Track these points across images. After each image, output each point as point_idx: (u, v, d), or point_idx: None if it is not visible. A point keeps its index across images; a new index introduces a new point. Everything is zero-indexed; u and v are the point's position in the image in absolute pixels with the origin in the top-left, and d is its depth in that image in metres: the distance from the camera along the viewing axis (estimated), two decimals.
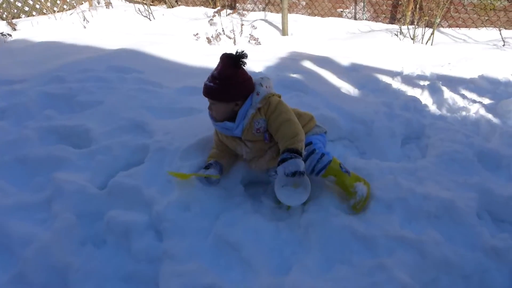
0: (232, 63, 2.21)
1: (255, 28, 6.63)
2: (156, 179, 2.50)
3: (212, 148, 2.62)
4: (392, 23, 7.27)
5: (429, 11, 6.47)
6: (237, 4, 8.82)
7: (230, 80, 2.22)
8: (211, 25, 6.92)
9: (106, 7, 8.67)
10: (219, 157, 2.52)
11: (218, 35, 6.24)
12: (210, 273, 1.95)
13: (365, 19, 7.57)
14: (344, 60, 5.20)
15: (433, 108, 3.95)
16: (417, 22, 6.26)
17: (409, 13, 6.68)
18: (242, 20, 6.77)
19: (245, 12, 8.00)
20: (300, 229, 2.22)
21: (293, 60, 5.12)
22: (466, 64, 4.89)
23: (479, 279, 1.96)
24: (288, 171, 2.06)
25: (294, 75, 4.29)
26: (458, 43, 5.96)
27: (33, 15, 8.41)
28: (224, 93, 2.23)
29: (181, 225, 2.18)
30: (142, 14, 8.15)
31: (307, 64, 4.98)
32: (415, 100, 3.91)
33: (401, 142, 3.22)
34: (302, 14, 8.18)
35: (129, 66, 4.60)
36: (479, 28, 6.57)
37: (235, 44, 6.23)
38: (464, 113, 3.77)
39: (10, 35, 6.85)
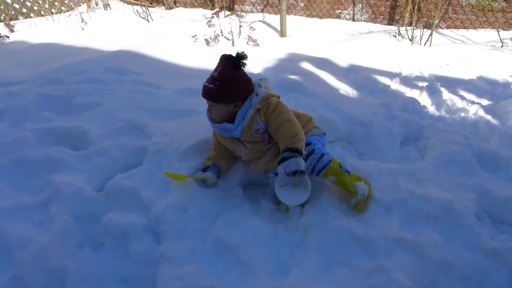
0: (233, 64, 2.20)
1: (254, 29, 6.62)
2: (154, 181, 2.49)
3: (210, 150, 2.61)
4: (390, 24, 7.28)
5: (427, 12, 6.48)
6: (236, 6, 8.83)
7: (230, 81, 2.20)
8: (209, 26, 6.93)
9: (104, 9, 8.66)
10: (217, 159, 2.51)
11: (216, 37, 6.24)
12: (208, 276, 1.94)
13: (364, 21, 7.58)
14: (343, 61, 5.20)
15: (431, 109, 3.95)
16: (416, 23, 6.27)
17: (407, 14, 6.69)
18: (240, 22, 6.77)
19: (243, 13, 8.02)
20: (298, 231, 2.21)
21: (291, 62, 5.11)
22: (464, 65, 4.90)
23: (478, 281, 1.96)
24: (288, 170, 2.05)
25: (293, 77, 4.28)
26: (457, 44, 5.96)
27: (31, 17, 8.39)
28: (224, 95, 2.23)
29: (179, 227, 2.17)
30: (140, 16, 8.15)
31: (306, 65, 4.98)
32: (413, 101, 3.91)
33: (400, 143, 3.21)
34: (301, 15, 8.18)
35: (127, 67, 4.59)
36: (477, 29, 6.58)
37: (233, 46, 6.23)
38: (463, 114, 3.77)
39: (8, 37, 6.83)
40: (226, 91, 2.21)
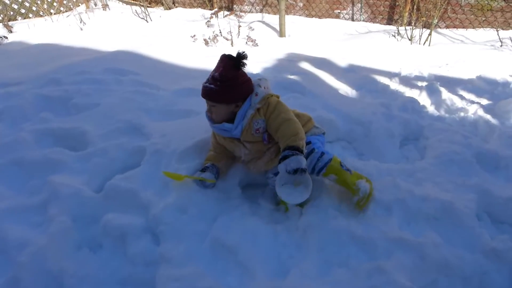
0: (233, 64, 2.19)
1: (253, 29, 6.62)
2: (153, 181, 2.48)
3: (210, 150, 2.60)
4: (389, 24, 7.28)
5: (427, 12, 6.48)
6: (234, 6, 8.82)
7: (232, 81, 2.20)
8: (208, 26, 6.92)
9: (103, 9, 8.65)
10: (216, 159, 2.50)
11: (215, 37, 6.23)
12: (207, 277, 1.93)
13: (363, 20, 7.57)
14: (342, 61, 5.19)
15: (431, 109, 3.95)
16: (415, 23, 6.26)
17: (407, 14, 6.68)
18: (239, 22, 6.76)
19: (242, 13, 8.01)
20: (298, 231, 2.20)
21: (290, 62, 5.11)
22: (464, 65, 4.89)
23: (478, 281, 1.95)
24: (290, 168, 2.03)
25: (292, 77, 4.28)
26: (456, 44, 5.96)
27: (30, 18, 8.37)
28: (226, 95, 2.22)
29: (178, 228, 2.16)
30: (139, 16, 8.13)
31: (305, 65, 4.97)
32: (413, 101, 3.90)
33: (400, 143, 3.21)
34: (300, 15, 8.18)
35: (126, 68, 4.58)
36: (477, 28, 6.57)
37: (232, 46, 6.22)
38: (462, 114, 3.76)
39: (6, 38, 6.82)
40: (227, 91, 2.20)
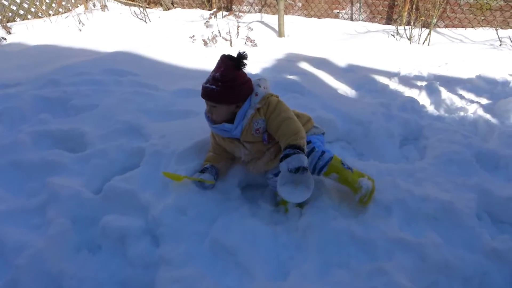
0: (234, 64, 2.18)
1: (252, 29, 6.62)
2: (152, 183, 2.47)
3: (209, 151, 2.59)
4: (388, 24, 7.27)
5: (426, 12, 6.48)
6: (233, 6, 8.81)
7: (233, 82, 2.19)
8: (207, 27, 6.91)
9: (102, 10, 8.64)
10: (216, 160, 2.49)
11: (214, 37, 6.23)
12: (207, 278, 1.93)
13: (362, 20, 7.56)
14: (341, 61, 5.19)
15: (431, 108, 3.94)
16: (414, 23, 6.26)
17: (406, 13, 6.68)
18: (238, 22, 6.76)
19: (241, 14, 8.01)
20: (298, 232, 2.19)
21: (289, 62, 5.10)
22: (463, 64, 4.89)
23: (479, 282, 1.95)
24: (291, 166, 2.02)
25: (291, 77, 4.27)
26: (455, 43, 5.95)
27: (28, 19, 8.37)
28: (227, 95, 2.20)
29: (178, 229, 2.15)
30: (138, 17, 8.13)
31: (304, 65, 4.97)
32: (412, 100, 3.90)
33: (399, 143, 3.20)
34: (299, 15, 8.17)
35: (124, 69, 4.57)
36: (476, 28, 6.56)
37: (231, 46, 6.21)
38: (462, 113, 3.76)
39: (5, 39, 6.82)
40: (229, 92, 2.19)
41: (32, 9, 8.41)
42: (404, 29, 6.30)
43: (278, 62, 5.09)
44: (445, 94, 4.07)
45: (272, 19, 7.71)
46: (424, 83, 4.34)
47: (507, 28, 6.23)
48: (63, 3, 8.86)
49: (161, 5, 9.26)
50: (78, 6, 9.06)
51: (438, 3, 6.07)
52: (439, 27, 6.80)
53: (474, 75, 4.49)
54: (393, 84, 4.51)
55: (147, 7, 8.50)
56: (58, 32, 7.33)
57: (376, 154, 3.01)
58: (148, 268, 2.05)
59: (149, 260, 2.06)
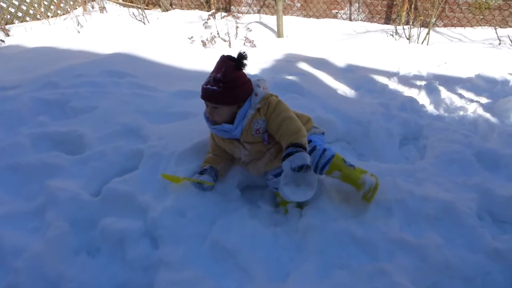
0: (235, 65, 2.17)
1: (250, 30, 6.61)
2: (151, 185, 2.46)
3: (208, 152, 2.58)
4: (387, 24, 7.27)
5: (424, 11, 6.47)
6: (232, 7, 8.80)
7: (234, 82, 2.17)
8: (206, 28, 6.90)
9: (100, 12, 8.63)
10: (215, 162, 2.48)
11: (213, 38, 6.22)
12: (207, 281, 1.91)
13: (360, 20, 7.56)
14: (340, 61, 5.18)
15: (430, 108, 3.94)
16: (413, 22, 6.26)
17: (404, 13, 6.67)
18: (237, 23, 6.76)
19: (240, 14, 8.00)
20: (298, 233, 2.18)
21: (288, 62, 5.10)
22: (462, 64, 4.89)
23: (481, 282, 1.94)
24: (294, 165, 2.00)
25: (290, 77, 4.27)
26: (454, 43, 5.95)
27: (27, 21, 8.35)
28: (229, 96, 2.19)
29: (177, 231, 2.13)
30: (136, 18, 8.12)
31: (303, 66, 4.96)
32: (412, 100, 3.89)
33: (399, 143, 3.19)
34: (297, 15, 8.17)
35: (123, 70, 4.56)
36: (475, 27, 6.56)
37: (230, 47, 6.20)
38: (461, 112, 3.75)
39: (3, 41, 6.81)
40: (230, 93, 2.18)
41: (31, 11, 8.40)
42: (403, 28, 6.29)
43: (277, 63, 5.09)
44: (444, 93, 4.06)
45: (270, 19, 7.70)
46: (423, 83, 4.33)
47: (506, 27, 6.23)
48: (62, 5, 8.86)
49: (160, 7, 9.26)
50: (76, 8, 9.05)
51: (437, 2, 6.07)
52: (438, 27, 6.80)
53: (474, 74, 4.48)
54: (393, 84, 4.51)
55: (145, 9, 8.50)
56: (56, 34, 7.32)
57: (376, 154, 3.00)
58: (147, 270, 2.03)
59: (148, 263, 2.04)
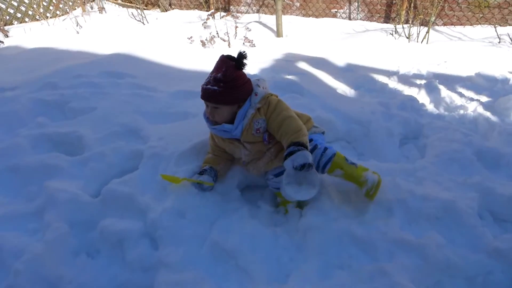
0: (235, 64, 2.17)
1: (250, 30, 6.59)
2: (151, 185, 2.45)
3: (208, 153, 2.58)
4: (386, 23, 7.26)
5: (424, 10, 6.47)
6: (231, 7, 8.79)
7: (235, 82, 2.17)
8: (205, 28, 6.89)
9: (99, 12, 8.62)
10: (215, 162, 2.47)
11: (212, 38, 6.21)
12: (207, 282, 1.91)
13: (360, 19, 7.56)
14: (340, 60, 5.17)
15: (430, 107, 3.93)
16: (412, 21, 6.24)
17: (404, 12, 6.67)
18: (236, 23, 6.74)
19: (239, 14, 8.00)
20: (298, 234, 2.17)
21: (288, 62, 5.09)
22: (462, 62, 4.88)
23: (482, 281, 1.93)
24: (297, 163, 1.98)
25: (290, 77, 4.26)
26: (454, 41, 5.94)
27: (26, 22, 8.34)
28: (230, 96, 2.18)
29: (177, 232, 2.13)
30: (135, 19, 8.11)
31: (302, 65, 4.95)
32: (412, 99, 3.88)
33: (399, 142, 3.18)
34: (296, 15, 8.16)
35: (122, 71, 4.55)
36: (474, 25, 6.56)
37: (229, 47, 6.19)
38: (462, 111, 3.74)
39: (2, 42, 6.81)
40: (231, 92, 2.18)
41: (30, 12, 8.39)
42: (403, 27, 6.28)
43: (276, 62, 5.08)
44: (444, 92, 4.05)
45: (270, 19, 7.69)
46: (423, 82, 4.33)
47: (506, 25, 6.23)
48: (61, 5, 8.85)
49: (159, 7, 9.25)
50: (75, 9, 9.04)
51: (436, 1, 6.06)
52: (438, 25, 6.79)
53: (474, 73, 4.47)
54: (392, 83, 4.50)
55: (144, 9, 8.49)
56: (55, 34, 7.31)
57: (376, 153, 3.00)
58: (147, 271, 2.02)
59: (148, 264, 2.04)
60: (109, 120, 3.22)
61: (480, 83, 4.27)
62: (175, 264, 1.98)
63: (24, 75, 4.55)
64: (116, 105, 3.47)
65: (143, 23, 7.90)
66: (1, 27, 7.37)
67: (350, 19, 7.66)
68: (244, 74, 2.25)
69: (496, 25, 5.87)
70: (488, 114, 3.57)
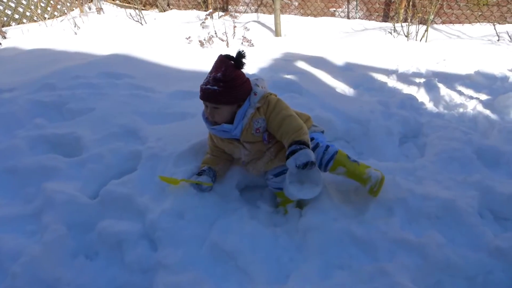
0: (234, 64, 2.16)
1: (248, 30, 6.58)
2: (149, 186, 2.44)
3: (206, 153, 2.56)
4: (385, 21, 7.25)
5: (422, 8, 6.46)
6: (229, 6, 8.78)
7: (234, 81, 2.16)
8: (203, 28, 6.88)
9: (97, 13, 8.60)
10: (213, 163, 2.46)
11: (210, 38, 6.19)
12: (206, 283, 1.90)
13: (358, 18, 7.55)
14: (338, 59, 5.16)
15: (429, 105, 3.92)
16: (411, 19, 6.24)
17: (402, 10, 6.66)
18: (234, 22, 6.72)
19: (237, 14, 7.98)
20: (298, 234, 2.16)
21: (286, 61, 5.08)
22: (461, 60, 4.87)
23: (483, 281, 1.92)
24: (299, 162, 1.97)
25: (288, 76, 4.25)
26: (453, 39, 5.94)
27: (23, 23, 8.32)
28: (230, 96, 2.17)
29: (176, 233, 2.11)
30: (133, 19, 8.09)
31: (301, 64, 4.94)
32: (411, 98, 3.87)
33: (399, 141, 3.17)
34: (295, 14, 8.14)
35: (120, 71, 4.53)
36: (473, 23, 6.55)
37: (228, 47, 6.18)
38: (461, 109, 3.73)
39: (0, 44, 6.78)
40: (231, 92, 2.16)
41: (27, 13, 8.36)
42: (401, 26, 6.28)
43: (275, 62, 5.07)
44: (444, 90, 4.04)
45: (268, 18, 7.68)
46: (422, 80, 4.32)
47: (505, 23, 6.22)
48: (58, 6, 8.83)
49: (157, 7, 9.23)
50: (73, 10, 9.02)
51: None
52: (436, 24, 6.78)
53: (473, 71, 4.46)
54: (391, 82, 4.49)
55: (142, 9, 8.47)
56: (53, 35, 7.29)
57: (376, 152, 2.99)
58: (146, 273, 2.02)
59: (147, 265, 2.03)
60: (107, 121, 3.21)
61: (479, 81, 4.26)
62: (174, 265, 1.97)
63: (22, 76, 4.53)
64: (114, 105, 3.46)
65: (141, 23, 7.88)
66: None
67: (348, 18, 7.65)
68: (243, 74, 2.24)
69: (495, 23, 5.87)
70: (487, 112, 3.56)
